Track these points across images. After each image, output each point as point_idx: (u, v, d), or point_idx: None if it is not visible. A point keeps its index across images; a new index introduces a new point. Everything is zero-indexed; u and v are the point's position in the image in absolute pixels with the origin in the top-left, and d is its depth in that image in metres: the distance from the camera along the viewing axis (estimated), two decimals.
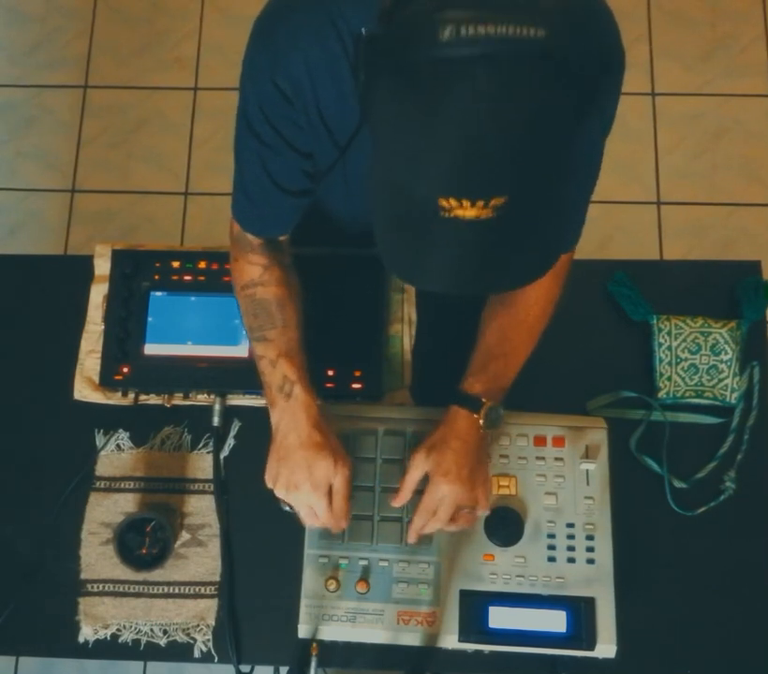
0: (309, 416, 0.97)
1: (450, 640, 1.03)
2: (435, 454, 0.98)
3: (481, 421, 0.98)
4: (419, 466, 0.99)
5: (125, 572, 1.09)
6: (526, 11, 0.58)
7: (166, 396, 1.16)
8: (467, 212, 0.63)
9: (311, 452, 0.95)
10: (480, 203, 0.62)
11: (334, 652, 1.06)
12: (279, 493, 0.98)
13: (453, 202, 0.63)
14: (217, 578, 1.10)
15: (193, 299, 1.17)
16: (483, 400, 0.99)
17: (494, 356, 1.01)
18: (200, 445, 1.16)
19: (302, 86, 0.83)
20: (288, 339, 0.99)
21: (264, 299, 1.00)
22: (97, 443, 1.16)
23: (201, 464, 1.15)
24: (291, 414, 0.97)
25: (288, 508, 1.00)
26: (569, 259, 1.02)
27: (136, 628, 1.09)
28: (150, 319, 1.16)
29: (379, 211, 0.72)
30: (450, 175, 0.62)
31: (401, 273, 0.74)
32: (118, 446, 1.16)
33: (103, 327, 1.18)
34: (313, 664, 1.02)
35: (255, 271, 1.01)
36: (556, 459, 1.08)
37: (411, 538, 1.01)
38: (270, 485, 0.98)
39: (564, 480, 1.08)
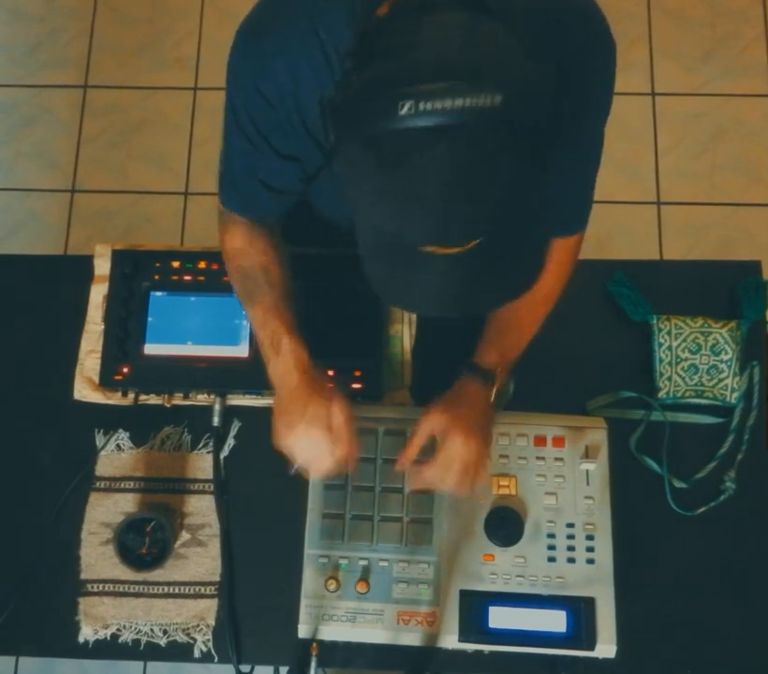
0: (299, 366, 0.98)
1: (450, 640, 1.03)
2: (452, 412, 0.99)
3: (493, 392, 1.01)
4: (431, 423, 0.99)
5: (125, 572, 1.09)
6: (482, 78, 0.60)
7: (166, 396, 1.16)
8: (446, 250, 0.68)
9: (303, 396, 0.96)
10: (457, 248, 0.67)
11: (334, 652, 1.06)
12: (281, 446, 0.97)
13: (431, 246, 0.67)
14: (217, 578, 1.10)
15: (193, 299, 1.17)
16: (496, 372, 1.01)
17: (506, 330, 1.04)
18: (200, 445, 1.16)
19: (286, 93, 0.84)
20: (274, 298, 1.02)
21: (250, 266, 1.02)
22: (97, 443, 1.16)
23: (201, 464, 1.15)
24: (283, 366, 0.99)
25: (293, 470, 0.98)
26: (580, 240, 1.04)
27: (136, 628, 1.09)
28: (150, 319, 1.16)
29: (363, 243, 0.76)
30: (425, 234, 0.67)
31: (386, 299, 0.79)
32: (118, 446, 1.16)
33: (103, 327, 1.18)
34: (313, 664, 1.02)
35: (238, 242, 1.03)
36: (556, 459, 1.08)
37: (415, 485, 1.01)
38: (275, 443, 0.97)
39: (564, 480, 1.08)
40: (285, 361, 0.98)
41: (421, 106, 0.60)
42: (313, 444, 0.95)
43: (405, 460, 1.00)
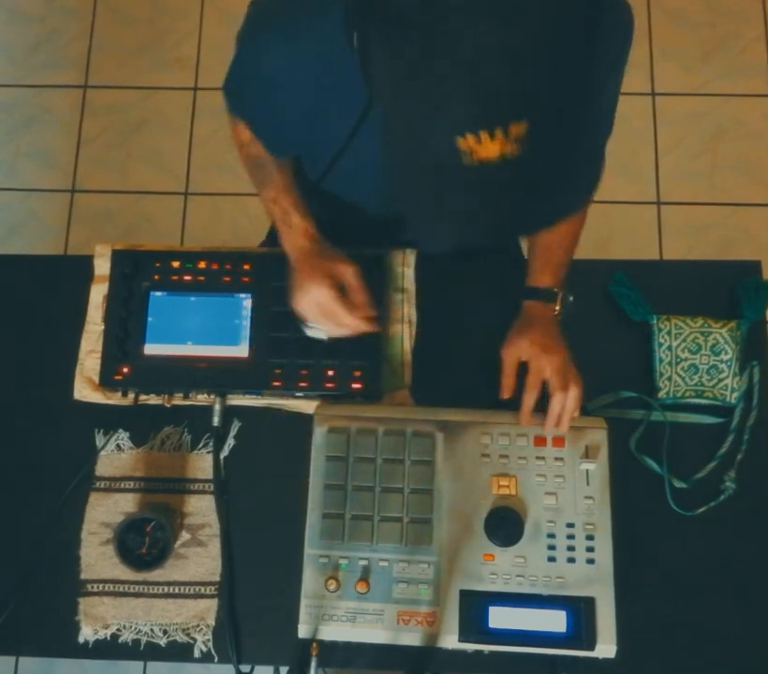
0: (308, 235, 1.06)
1: (450, 640, 1.03)
2: (529, 337, 1.07)
3: (558, 308, 1.10)
4: (515, 351, 1.08)
5: (125, 572, 1.09)
6: None
7: (166, 396, 1.16)
8: (490, 149, 0.61)
9: (313, 259, 1.04)
10: (500, 134, 0.60)
11: (334, 652, 1.06)
12: (297, 306, 1.05)
13: (472, 140, 0.61)
14: (217, 578, 1.10)
15: (193, 299, 1.17)
16: (556, 289, 1.09)
17: (553, 250, 1.10)
18: (200, 445, 1.16)
19: (299, 72, 0.87)
20: (283, 179, 1.09)
21: (258, 154, 1.09)
22: (97, 443, 1.16)
23: (201, 464, 1.15)
24: (294, 238, 1.07)
25: (309, 330, 1.07)
26: (589, 202, 1.06)
27: (136, 628, 1.09)
28: (150, 319, 1.16)
29: (397, 177, 0.74)
30: (462, 108, 0.60)
31: (415, 232, 0.81)
32: (118, 446, 1.16)
33: (103, 327, 1.18)
34: (313, 664, 1.02)
35: (245, 134, 1.09)
36: (556, 459, 1.09)
37: (525, 419, 1.08)
38: (291, 306, 1.06)
39: (564, 480, 1.08)
40: (295, 232, 1.07)
41: None
42: (322, 299, 1.02)
43: (506, 388, 1.09)
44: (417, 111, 0.63)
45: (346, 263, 1.04)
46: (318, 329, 1.08)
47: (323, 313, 1.03)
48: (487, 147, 0.61)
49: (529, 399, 1.08)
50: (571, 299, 1.11)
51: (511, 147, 0.61)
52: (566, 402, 1.07)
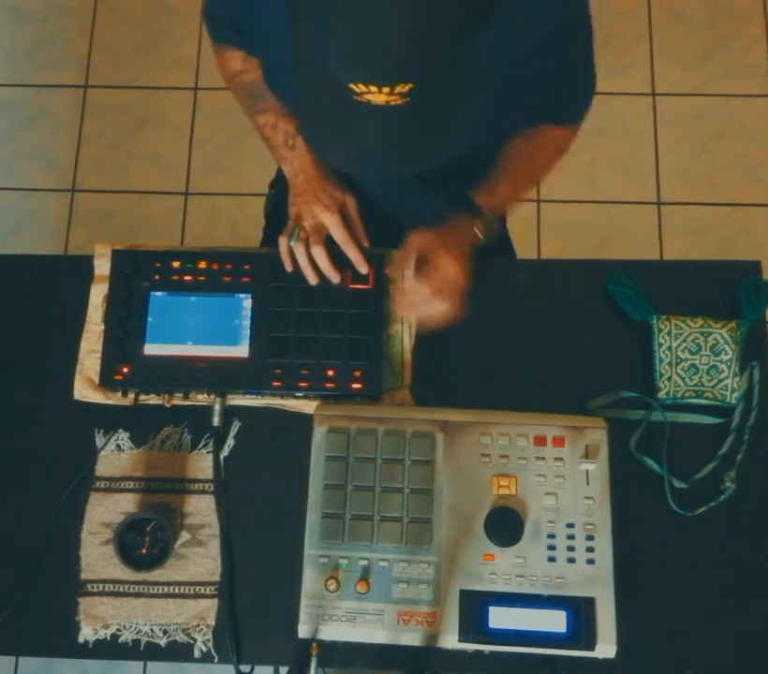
0: (313, 160, 1.08)
1: (450, 640, 1.03)
2: (440, 236, 1.07)
3: (480, 235, 1.10)
4: (419, 240, 1.06)
5: (124, 572, 1.09)
6: None
7: (166, 396, 1.16)
8: (378, 97, 0.68)
9: (319, 182, 1.07)
10: (387, 89, 0.67)
11: (334, 652, 1.06)
12: (298, 220, 1.08)
13: (363, 87, 0.68)
14: (217, 578, 1.10)
15: (193, 299, 1.17)
16: (490, 216, 1.10)
17: (503, 181, 1.12)
18: (200, 445, 1.16)
19: None
20: (281, 105, 1.10)
21: (251, 81, 1.10)
22: (97, 443, 1.16)
23: (201, 464, 1.15)
24: (299, 160, 1.09)
25: (293, 240, 1.09)
26: (570, 137, 1.14)
27: (136, 628, 1.09)
28: (150, 319, 1.16)
29: (301, 94, 0.78)
30: (355, 61, 0.67)
31: (322, 155, 0.84)
32: (118, 446, 1.16)
33: (103, 327, 1.18)
34: (313, 664, 1.02)
35: (235, 64, 1.11)
36: (556, 459, 1.09)
37: (402, 310, 1.12)
38: (291, 221, 1.09)
39: (564, 480, 1.08)
40: (301, 155, 1.08)
41: None
42: (328, 223, 1.07)
43: (394, 269, 1.11)
44: (316, 47, 0.69)
45: (349, 194, 1.08)
46: (301, 246, 1.10)
47: (318, 233, 1.07)
48: (374, 95, 0.68)
49: (414, 291, 1.07)
50: (497, 229, 1.13)
51: (396, 99, 0.68)
52: (434, 309, 1.06)
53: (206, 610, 1.09)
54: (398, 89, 0.67)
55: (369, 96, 0.68)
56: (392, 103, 0.68)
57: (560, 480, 1.08)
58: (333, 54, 0.68)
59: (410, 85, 0.67)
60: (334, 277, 1.12)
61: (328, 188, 1.09)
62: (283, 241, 1.11)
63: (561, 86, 1.03)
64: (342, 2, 0.64)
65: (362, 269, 1.13)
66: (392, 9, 0.63)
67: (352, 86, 0.68)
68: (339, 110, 0.72)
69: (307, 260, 1.11)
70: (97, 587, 1.10)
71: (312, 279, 1.13)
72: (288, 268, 1.14)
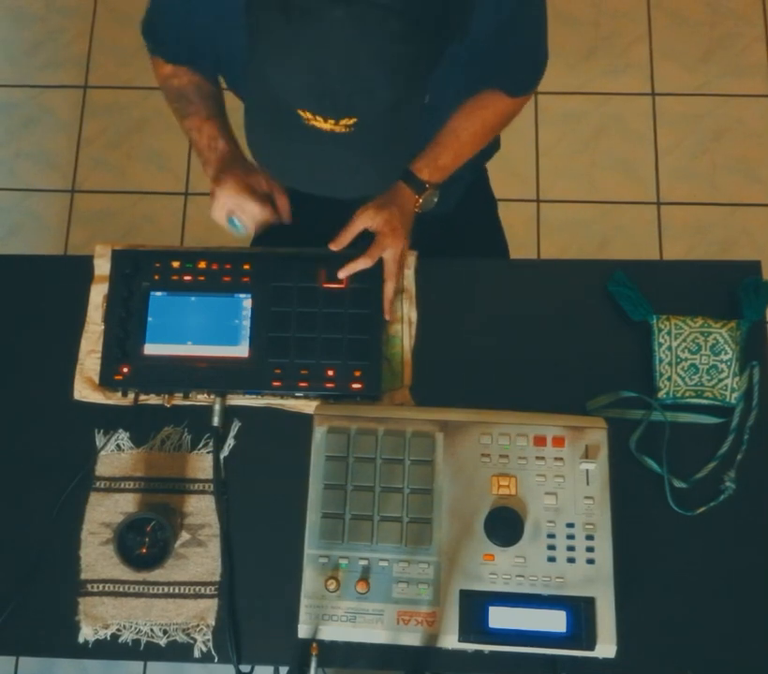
0: (234, 157, 1.13)
1: (450, 640, 1.03)
2: (384, 213, 1.14)
3: (420, 201, 1.16)
4: (366, 220, 1.14)
5: (124, 572, 1.09)
6: None
7: (166, 396, 1.16)
8: (323, 125, 0.73)
9: (234, 171, 1.12)
10: (332, 121, 0.73)
11: (334, 652, 1.06)
12: (214, 208, 1.13)
13: (309, 115, 0.73)
14: (217, 578, 1.10)
15: (193, 299, 1.17)
16: (427, 185, 1.16)
17: (444, 152, 1.17)
18: (200, 445, 1.16)
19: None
20: (207, 108, 1.16)
21: (180, 86, 1.16)
22: (97, 443, 1.16)
23: (201, 464, 1.15)
24: (219, 161, 1.13)
25: (233, 227, 1.14)
26: (522, 103, 1.21)
27: (136, 628, 1.09)
28: (150, 319, 1.16)
29: (250, 108, 0.82)
30: (306, 94, 0.72)
31: (265, 165, 0.86)
32: (118, 446, 1.16)
33: (103, 327, 1.18)
34: (313, 664, 1.02)
35: (166, 68, 1.16)
36: (556, 459, 1.09)
37: (344, 273, 1.15)
38: (215, 214, 1.14)
39: (564, 480, 1.08)
40: (220, 157, 1.13)
41: None
42: (237, 196, 1.10)
43: (339, 243, 1.14)
44: (272, 71, 0.73)
45: (263, 174, 1.12)
46: (237, 225, 1.15)
47: (238, 206, 1.12)
48: (320, 123, 0.73)
49: (357, 264, 1.14)
50: (435, 200, 1.18)
51: (340, 128, 0.73)
52: (389, 289, 1.15)
53: (206, 610, 1.09)
54: (343, 122, 0.73)
55: (315, 123, 0.73)
56: (337, 131, 0.74)
57: (560, 480, 1.08)
58: (286, 83, 0.72)
59: (354, 119, 0.73)
60: (285, 216, 1.17)
61: (244, 174, 1.12)
62: (233, 232, 1.17)
63: (511, 62, 1.09)
64: (301, 39, 0.69)
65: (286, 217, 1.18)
66: (346, 53, 0.69)
67: (300, 112, 0.73)
68: (286, 129, 0.76)
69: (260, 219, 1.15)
70: (97, 587, 1.10)
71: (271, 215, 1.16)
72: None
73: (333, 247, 1.15)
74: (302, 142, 0.76)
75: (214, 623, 1.09)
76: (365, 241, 1.16)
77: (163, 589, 1.10)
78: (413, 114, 0.80)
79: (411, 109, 0.78)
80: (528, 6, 1.01)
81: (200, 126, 1.15)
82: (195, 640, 1.08)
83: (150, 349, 1.15)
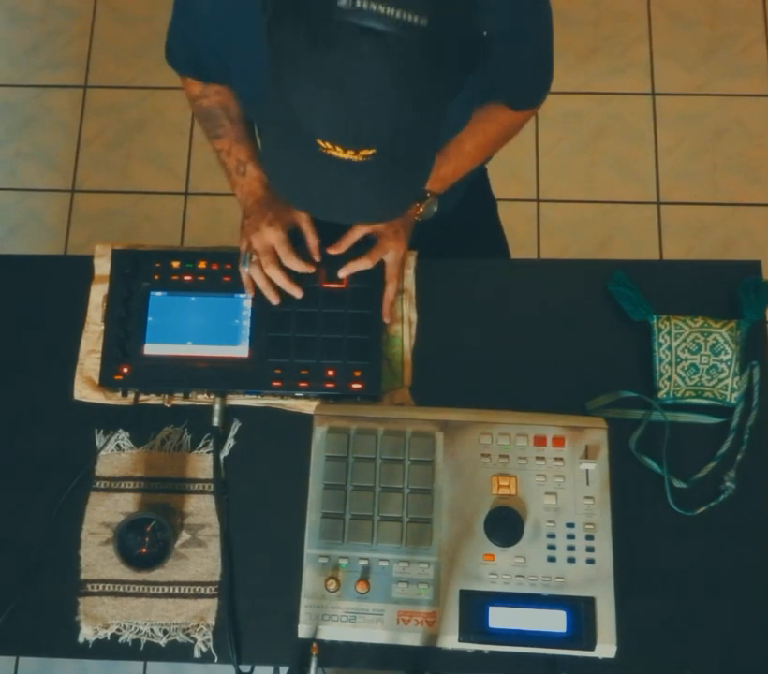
0: (262, 184, 1.14)
1: (450, 640, 1.03)
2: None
3: (421, 210, 1.16)
4: (366, 226, 1.14)
5: (124, 572, 1.09)
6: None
7: (166, 396, 1.16)
8: (341, 154, 0.73)
9: (267, 203, 1.12)
10: (351, 151, 0.73)
11: (334, 652, 1.06)
12: (248, 246, 1.12)
13: (329, 145, 0.72)
14: (217, 578, 1.10)
15: (193, 299, 1.17)
16: (428, 194, 1.16)
17: (447, 162, 1.16)
18: (200, 445, 1.16)
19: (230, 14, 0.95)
20: (236, 131, 1.16)
21: (209, 106, 1.16)
22: (97, 443, 1.16)
23: (201, 464, 1.15)
24: (248, 186, 1.15)
25: (247, 265, 1.12)
26: (528, 116, 1.22)
27: (136, 628, 1.09)
28: (150, 319, 1.16)
29: (269, 133, 0.82)
30: (327, 124, 0.72)
31: (281, 192, 0.85)
32: (118, 446, 1.16)
33: (103, 327, 1.18)
34: (313, 664, 1.02)
35: (196, 88, 1.17)
36: (556, 459, 1.09)
37: (343, 273, 1.15)
38: (243, 246, 1.13)
39: (564, 480, 1.08)
40: (250, 182, 1.14)
41: (358, 3, 0.66)
42: (275, 241, 1.10)
43: (338, 248, 1.14)
44: (294, 98, 0.73)
45: (299, 212, 1.11)
46: (256, 269, 1.13)
47: (268, 253, 1.11)
48: (339, 153, 0.73)
49: (358, 265, 1.14)
50: (435, 208, 1.18)
51: (358, 158, 0.74)
52: (390, 291, 1.16)
53: (206, 610, 1.09)
54: (362, 152, 0.73)
55: (332, 152, 0.73)
56: (355, 161, 0.74)
57: (560, 480, 1.08)
58: (307, 111, 0.72)
59: (373, 150, 0.73)
60: (297, 293, 1.13)
61: (274, 205, 1.12)
62: (241, 270, 1.14)
63: (517, 77, 1.08)
64: (327, 69, 0.68)
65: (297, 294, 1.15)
66: (373, 85, 0.69)
67: (319, 141, 0.73)
68: (303, 156, 0.76)
69: (266, 282, 1.13)
70: (97, 587, 1.10)
71: (273, 299, 1.14)
72: (250, 292, 1.15)
73: (332, 252, 1.15)
74: (319, 171, 0.76)
75: (214, 623, 1.09)
76: (366, 244, 1.15)
77: (163, 589, 1.10)
78: (430, 142, 0.80)
79: (429, 138, 0.79)
80: (537, 25, 1.02)
81: (229, 149, 1.16)
82: (195, 640, 1.08)
83: (150, 349, 1.15)
